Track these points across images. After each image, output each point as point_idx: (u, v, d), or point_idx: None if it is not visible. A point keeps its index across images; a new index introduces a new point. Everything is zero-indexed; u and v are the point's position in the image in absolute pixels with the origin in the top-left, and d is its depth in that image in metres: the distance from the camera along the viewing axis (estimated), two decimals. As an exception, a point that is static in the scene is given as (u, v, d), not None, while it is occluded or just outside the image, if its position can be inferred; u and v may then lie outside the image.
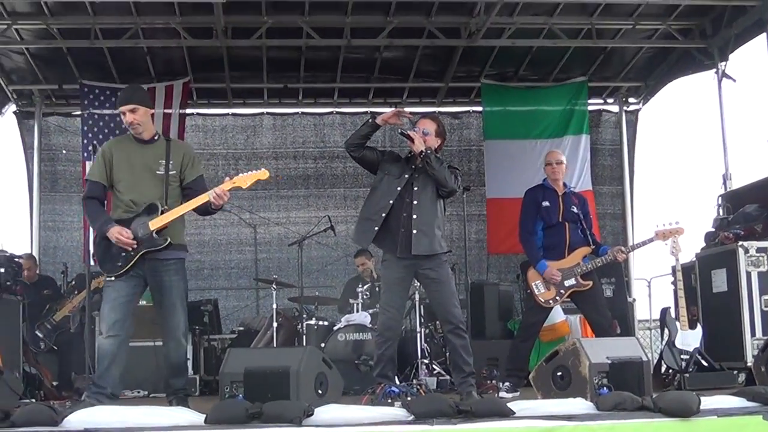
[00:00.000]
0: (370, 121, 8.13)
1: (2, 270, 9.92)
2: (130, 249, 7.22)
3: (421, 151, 7.95)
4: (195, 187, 7.52)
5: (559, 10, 12.87)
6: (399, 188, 8.04)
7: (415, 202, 8.00)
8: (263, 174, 7.41)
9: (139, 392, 11.87)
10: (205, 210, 7.50)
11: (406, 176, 8.08)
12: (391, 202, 8.02)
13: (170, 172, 7.44)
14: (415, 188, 8.04)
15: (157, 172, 7.40)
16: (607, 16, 13.17)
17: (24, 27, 12.98)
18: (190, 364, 11.80)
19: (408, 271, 8.20)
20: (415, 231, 7.94)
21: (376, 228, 8.02)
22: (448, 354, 11.19)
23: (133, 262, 7.28)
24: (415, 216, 7.97)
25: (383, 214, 8.02)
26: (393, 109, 8.22)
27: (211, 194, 7.27)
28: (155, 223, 7.22)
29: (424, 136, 8.08)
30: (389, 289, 8.22)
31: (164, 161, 7.43)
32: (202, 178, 7.66)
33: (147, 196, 7.34)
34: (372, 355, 9.83)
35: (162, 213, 7.25)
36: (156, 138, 7.64)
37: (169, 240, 7.26)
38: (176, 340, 7.60)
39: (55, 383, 10.99)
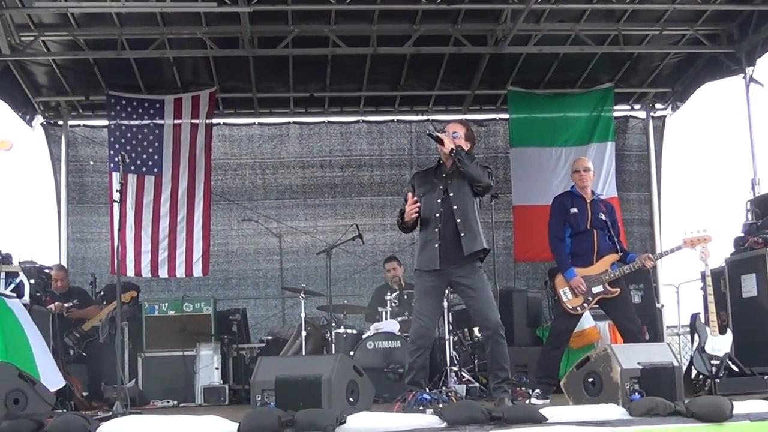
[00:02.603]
0: (401, 223, 8.26)
1: (32, 281, 9.96)
2: None
3: (452, 149, 8.00)
4: None
5: (585, 17, 12.87)
6: (439, 200, 8.11)
7: (455, 207, 8.06)
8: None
9: (168, 402, 11.91)
10: None
11: (441, 186, 8.14)
12: (437, 215, 8.09)
13: None
14: (451, 194, 8.09)
15: None
16: (633, 22, 13.14)
17: (51, 39, 13.08)
18: (218, 373, 11.90)
19: (442, 280, 8.23)
20: (462, 234, 8.00)
21: (437, 245, 8.07)
22: (476, 361, 11.26)
23: None
24: (459, 220, 8.03)
25: (436, 229, 8.08)
26: (412, 203, 8.07)
27: None
28: None
29: (453, 140, 8.14)
30: (423, 296, 8.24)
31: None
32: None
33: None
34: (401, 363, 9.92)
35: None
36: None
37: None
38: None
39: (85, 394, 11.01)
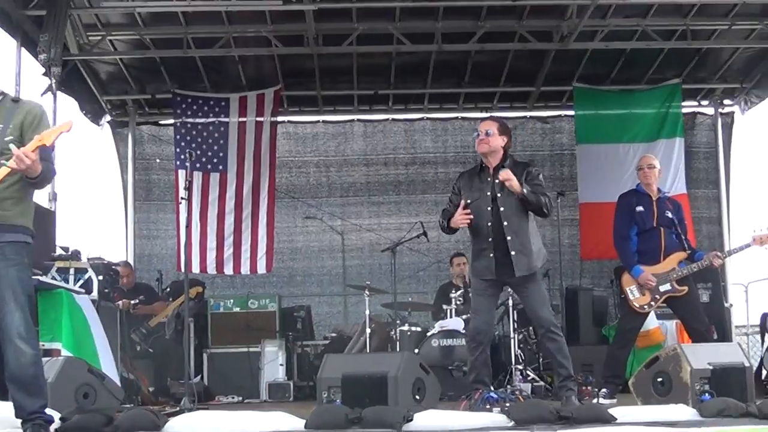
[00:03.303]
0: (445, 226, 8.28)
1: (101, 277, 10.06)
2: None
3: (522, 193, 7.84)
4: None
5: (652, 12, 12.70)
6: (488, 207, 8.04)
7: (505, 223, 7.95)
8: (66, 126, 5.82)
9: (233, 398, 11.97)
10: (32, 182, 5.88)
11: (488, 192, 8.06)
12: (489, 224, 8.00)
13: (6, 138, 5.87)
14: (501, 209, 7.98)
15: None
16: (702, 17, 12.94)
17: (118, 38, 13.21)
18: (282, 370, 11.94)
19: (498, 284, 8.29)
20: (513, 252, 7.91)
21: (492, 255, 8.00)
22: (541, 359, 11.19)
23: None
24: (509, 238, 7.93)
25: (490, 239, 8.01)
26: (463, 213, 7.97)
27: (12, 161, 5.61)
28: None
29: (487, 138, 8.09)
30: (479, 296, 8.23)
31: (1, 126, 5.94)
32: (45, 147, 5.80)
33: None
34: (465, 361, 9.83)
35: None
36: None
37: None
38: (13, 345, 5.75)
39: (151, 389, 11.12)
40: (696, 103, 15.64)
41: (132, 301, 11.70)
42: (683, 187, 14.04)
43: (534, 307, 8.07)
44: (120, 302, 11.16)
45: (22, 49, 11.69)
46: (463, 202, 7.98)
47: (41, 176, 5.77)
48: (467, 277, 11.73)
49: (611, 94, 14.62)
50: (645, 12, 12.77)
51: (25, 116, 5.96)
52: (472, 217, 7.92)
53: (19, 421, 5.77)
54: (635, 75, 14.62)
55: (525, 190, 7.85)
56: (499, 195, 7.97)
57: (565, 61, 14.02)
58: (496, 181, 7.98)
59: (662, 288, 9.07)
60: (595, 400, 8.85)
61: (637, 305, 9.13)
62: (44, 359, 6.50)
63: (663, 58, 14.02)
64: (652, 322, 10.83)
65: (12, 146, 5.63)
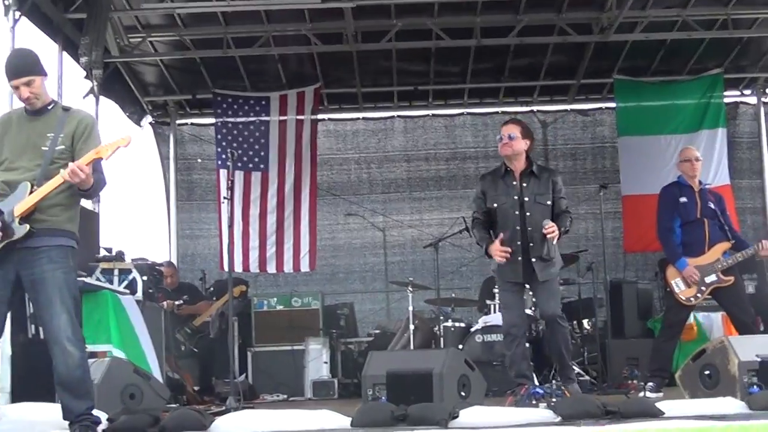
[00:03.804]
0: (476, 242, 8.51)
1: (145, 278, 10.14)
2: None
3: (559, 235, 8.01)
4: None
5: (693, 2, 12.62)
6: (516, 212, 8.13)
7: (529, 229, 8.06)
8: (124, 141, 5.90)
9: (278, 396, 12.01)
10: (83, 193, 6.03)
11: (515, 196, 8.16)
12: (517, 228, 8.08)
13: (57, 147, 5.95)
14: (528, 214, 8.09)
15: (42, 147, 5.98)
16: (743, 6, 12.83)
17: (158, 39, 13.33)
18: (326, 367, 11.96)
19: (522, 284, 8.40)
20: (534, 259, 8.04)
21: (520, 258, 8.06)
22: (586, 354, 11.15)
23: None
24: (531, 244, 8.04)
25: (519, 242, 8.07)
26: (502, 249, 8.03)
27: (66, 172, 5.71)
28: (19, 208, 5.80)
29: (510, 141, 8.19)
30: (506, 290, 8.36)
31: (52, 134, 5.99)
32: (99, 159, 5.91)
33: (23, 176, 5.92)
34: (506, 357, 9.88)
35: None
36: (50, 107, 6.15)
37: (28, 228, 5.79)
38: (61, 347, 5.77)
39: (196, 388, 11.18)
40: (738, 93, 15.53)
41: (176, 302, 11.77)
42: (726, 178, 13.93)
43: (545, 298, 8.23)
44: (164, 303, 11.24)
45: (63, 53, 11.80)
46: (500, 238, 8.01)
47: (92, 188, 5.91)
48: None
49: (652, 85, 14.52)
50: (685, 2, 12.69)
51: (77, 126, 6.03)
52: (510, 254, 7.99)
53: (67, 422, 5.82)
54: (676, 66, 14.54)
55: (562, 231, 8.05)
56: (526, 200, 8.09)
57: (605, 53, 13.96)
58: (524, 185, 8.12)
59: (708, 279, 8.98)
60: (641, 394, 8.79)
61: (683, 298, 9.04)
62: (90, 361, 6.56)
63: (704, 48, 13.91)
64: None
65: (72, 164, 5.70)
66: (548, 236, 7.85)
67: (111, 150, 5.84)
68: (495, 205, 8.17)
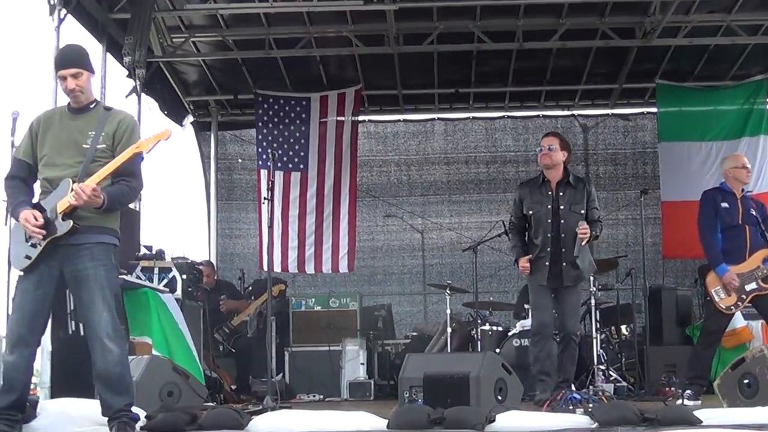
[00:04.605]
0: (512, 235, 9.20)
1: (184, 276, 10.20)
2: (40, 237, 5.87)
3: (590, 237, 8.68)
4: (122, 168, 5.95)
5: (737, 7, 12.51)
6: (549, 220, 8.73)
7: (563, 236, 8.67)
8: (164, 134, 5.93)
9: (314, 396, 12.03)
10: (100, 210, 5.95)
11: (549, 205, 8.77)
12: (549, 235, 8.70)
13: (98, 146, 6.00)
14: (562, 221, 8.70)
15: (83, 145, 6.01)
16: (788, 11, 12.73)
17: (201, 39, 13.42)
18: (363, 368, 11.96)
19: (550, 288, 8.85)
20: (565, 264, 8.66)
21: (547, 263, 8.70)
22: (623, 360, 11.11)
23: (39, 252, 5.91)
24: (564, 250, 8.66)
25: (548, 248, 8.70)
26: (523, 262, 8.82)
27: (71, 195, 5.77)
28: (62, 205, 5.83)
29: (550, 152, 8.80)
30: (537, 291, 8.90)
31: (94, 132, 6.03)
32: (134, 158, 5.98)
33: (65, 173, 5.95)
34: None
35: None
36: (92, 106, 6.20)
37: (72, 224, 5.81)
38: (101, 344, 5.86)
39: (233, 387, 11.23)
40: (782, 99, 15.37)
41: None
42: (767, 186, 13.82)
43: (567, 314, 8.80)
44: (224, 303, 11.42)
45: (107, 53, 11.91)
46: (527, 257, 8.77)
47: (107, 205, 5.86)
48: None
49: (695, 91, 14.43)
50: (730, 7, 12.59)
51: (118, 126, 6.08)
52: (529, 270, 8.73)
53: (106, 419, 5.88)
54: (719, 71, 14.45)
55: (592, 235, 8.71)
56: (561, 208, 8.71)
57: (647, 58, 13.91)
58: (560, 194, 8.73)
59: (748, 287, 8.89)
60: (679, 402, 8.74)
61: (723, 306, 8.96)
62: (130, 358, 6.62)
63: (748, 53, 13.82)
64: (738, 322, 10.66)
65: (77, 186, 5.72)
66: (579, 235, 8.41)
67: (152, 143, 5.90)
68: (531, 212, 8.80)
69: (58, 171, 5.97)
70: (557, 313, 8.89)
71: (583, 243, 8.61)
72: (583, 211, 8.73)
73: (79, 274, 5.86)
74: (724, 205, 9.10)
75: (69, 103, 6.17)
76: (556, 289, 8.80)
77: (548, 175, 8.84)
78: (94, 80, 6.26)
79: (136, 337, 8.65)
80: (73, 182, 5.81)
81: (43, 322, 6.02)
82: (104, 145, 6.00)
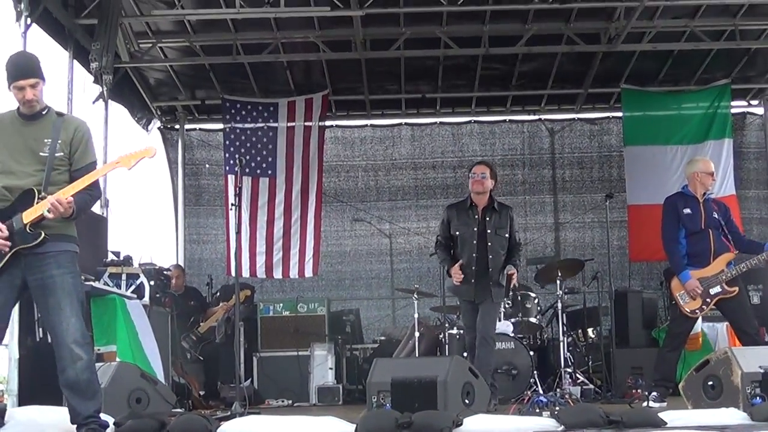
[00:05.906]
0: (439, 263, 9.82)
1: (152, 282, 10.17)
2: (7, 248, 5.85)
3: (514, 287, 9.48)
4: (83, 176, 5.99)
5: (700, 13, 12.64)
6: (474, 241, 9.16)
7: (490, 257, 9.11)
8: (149, 152, 6.00)
9: (282, 401, 12.05)
10: (70, 219, 6.02)
11: (475, 228, 9.21)
12: (474, 255, 9.14)
13: (56, 154, 5.99)
14: (489, 244, 9.13)
15: (40, 153, 5.98)
16: (750, 17, 12.84)
17: (168, 45, 13.38)
18: (332, 373, 11.99)
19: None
20: (491, 282, 9.07)
21: (473, 281, 9.10)
22: (590, 363, 11.16)
23: (4, 261, 5.88)
24: (491, 269, 9.09)
25: (474, 267, 9.12)
26: (458, 274, 9.13)
27: (46, 209, 5.80)
28: (29, 215, 5.82)
29: (482, 180, 9.26)
30: (466, 312, 9.35)
31: (50, 140, 6.00)
32: (93, 165, 6.12)
33: (24, 181, 5.94)
34: (514, 365, 10.11)
35: (39, 202, 5.86)
36: (44, 112, 6.12)
37: (43, 235, 5.84)
38: (69, 350, 5.82)
39: (202, 393, 11.22)
40: (746, 104, 15.56)
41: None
42: (732, 189, 13.95)
43: (485, 321, 9.10)
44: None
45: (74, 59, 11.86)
46: (459, 263, 9.12)
47: (74, 215, 5.91)
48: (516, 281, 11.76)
49: (659, 95, 14.56)
50: (693, 13, 12.71)
51: (74, 134, 6.08)
52: (465, 277, 9.10)
53: (74, 425, 5.86)
54: (684, 76, 14.56)
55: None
56: (488, 231, 9.15)
57: (612, 63, 13.99)
58: (487, 219, 9.17)
59: (712, 291, 8.97)
60: (645, 404, 8.82)
61: (688, 310, 9.04)
62: (97, 364, 6.61)
63: (711, 58, 13.94)
64: (699, 326, 10.76)
65: (52, 198, 5.75)
66: (513, 281, 9.15)
67: (134, 160, 5.96)
68: (458, 233, 9.26)
69: (17, 179, 5.94)
70: (479, 321, 9.12)
71: (512, 284, 9.16)
72: (507, 235, 9.21)
73: (46, 282, 5.84)
74: (687, 211, 9.16)
75: (18, 108, 6.10)
76: (480, 303, 9.10)
77: (476, 200, 9.26)
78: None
79: (101, 347, 8.61)
80: (38, 192, 5.84)
81: (2, 327, 5.99)
82: (62, 153, 5.99)
